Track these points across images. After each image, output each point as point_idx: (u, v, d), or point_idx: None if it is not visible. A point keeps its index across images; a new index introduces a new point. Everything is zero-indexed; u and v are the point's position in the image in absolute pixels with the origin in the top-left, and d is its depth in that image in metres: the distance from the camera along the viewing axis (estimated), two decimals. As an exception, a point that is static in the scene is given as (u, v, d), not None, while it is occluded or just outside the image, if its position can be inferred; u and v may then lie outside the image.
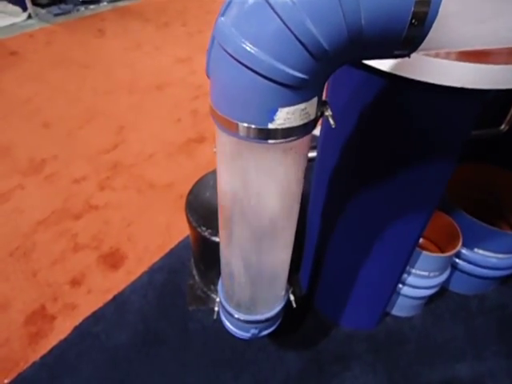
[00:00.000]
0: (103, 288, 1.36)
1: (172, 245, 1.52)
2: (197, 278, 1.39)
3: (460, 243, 1.12)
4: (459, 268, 1.29)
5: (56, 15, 3.51)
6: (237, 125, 0.47)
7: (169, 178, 1.83)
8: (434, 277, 1.16)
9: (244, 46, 0.41)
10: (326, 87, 0.54)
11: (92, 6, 3.73)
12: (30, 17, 3.40)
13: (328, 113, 0.51)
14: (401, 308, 1.28)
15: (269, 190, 0.54)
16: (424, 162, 0.80)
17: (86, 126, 2.16)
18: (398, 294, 1.22)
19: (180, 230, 1.58)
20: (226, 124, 0.48)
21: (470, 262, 1.26)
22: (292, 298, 0.85)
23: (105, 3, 3.83)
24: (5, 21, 3.30)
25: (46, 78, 2.57)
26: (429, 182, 0.84)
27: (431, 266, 1.12)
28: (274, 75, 0.42)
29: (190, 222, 1.18)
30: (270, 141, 0.48)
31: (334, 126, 0.51)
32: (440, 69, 0.63)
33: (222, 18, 0.44)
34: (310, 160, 1.52)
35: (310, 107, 0.47)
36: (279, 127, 0.46)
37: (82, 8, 3.69)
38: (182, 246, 1.52)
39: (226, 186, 0.58)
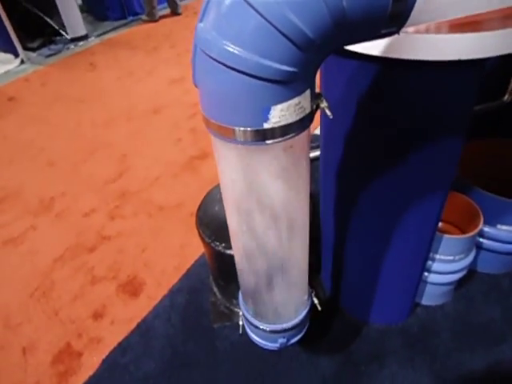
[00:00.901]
0: (126, 317, 1.34)
1: (188, 264, 1.51)
2: (218, 294, 1.37)
3: (481, 221, 1.08)
4: (484, 247, 1.25)
5: (47, 56, 3.58)
6: (232, 130, 0.46)
7: (177, 198, 1.83)
8: (460, 260, 1.12)
9: (227, 47, 0.40)
10: (318, 82, 0.53)
11: (81, 43, 3.80)
12: (22, 62, 3.47)
13: (324, 104, 0.49)
14: (430, 297, 1.24)
15: (275, 191, 0.52)
16: (432, 141, 0.77)
17: (90, 158, 2.17)
18: (426, 282, 1.18)
19: (194, 248, 1.56)
20: (221, 131, 0.47)
21: (494, 240, 1.22)
22: (316, 301, 0.83)
23: (93, 38, 3.90)
24: (-1, 69, 3.38)
25: (45, 118, 2.61)
26: (440, 161, 0.81)
27: (455, 249, 1.08)
28: (262, 72, 0.40)
29: (202, 239, 1.17)
30: (267, 141, 0.46)
31: (331, 117, 0.49)
32: (433, 44, 0.61)
33: (201, 24, 0.42)
34: (314, 159, 1.51)
35: (303, 101, 0.45)
36: (275, 126, 0.45)
37: (72, 46, 3.76)
38: (199, 264, 1.50)
39: (232, 194, 0.56)
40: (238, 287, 1.28)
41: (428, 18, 0.45)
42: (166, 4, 4.26)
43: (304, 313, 0.79)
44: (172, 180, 1.95)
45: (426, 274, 1.15)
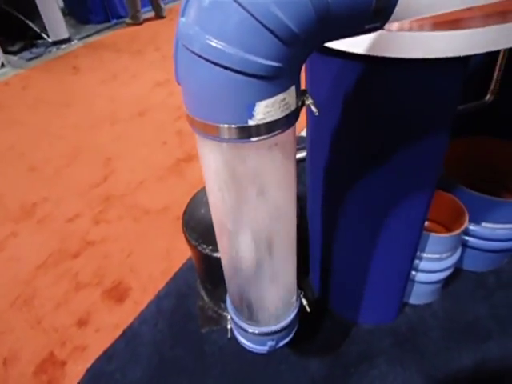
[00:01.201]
0: (111, 324, 1.31)
1: (175, 269, 1.48)
2: (205, 298, 1.35)
3: (467, 219, 1.09)
4: (470, 245, 1.26)
5: (29, 60, 3.51)
6: (216, 127, 0.45)
7: (162, 201, 1.80)
8: (447, 258, 1.13)
9: (210, 42, 0.39)
10: (303, 81, 0.52)
11: (63, 46, 3.74)
12: (2, 65, 3.40)
13: (309, 101, 0.48)
14: (418, 295, 1.24)
15: (261, 190, 0.51)
16: (418, 139, 0.77)
17: (73, 163, 2.13)
18: (413, 281, 1.18)
19: (181, 252, 1.54)
20: (205, 129, 0.46)
21: (479, 238, 1.23)
22: (305, 302, 0.82)
23: (76, 41, 3.84)
24: (-22, 73, 3.30)
25: (26, 122, 2.56)
26: (426, 158, 0.81)
27: (442, 247, 1.09)
28: (246, 68, 0.39)
29: (189, 242, 1.15)
30: (253, 139, 0.45)
31: (317, 114, 0.48)
32: (417, 42, 0.61)
33: (183, 19, 0.41)
34: (301, 161, 1.50)
35: (289, 97, 0.45)
36: (260, 122, 0.44)
37: (54, 49, 3.70)
38: (186, 268, 1.48)
39: (217, 195, 0.55)
40: (225, 290, 1.26)
41: (411, 14, 0.45)
42: (150, 7, 4.23)
43: (293, 314, 0.78)
44: (158, 183, 1.92)
45: (413, 272, 1.16)
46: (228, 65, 0.39)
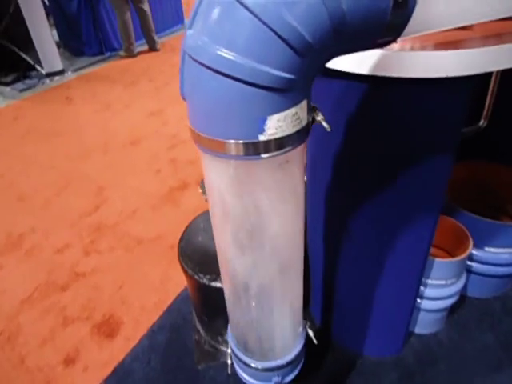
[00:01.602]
0: (101, 361, 1.23)
1: (170, 300, 1.42)
2: (202, 331, 1.28)
3: (471, 244, 1.06)
4: (473, 270, 1.23)
5: (21, 91, 3.52)
6: (224, 144, 0.42)
7: (156, 230, 1.75)
8: (452, 284, 1.09)
9: (220, 53, 0.37)
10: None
11: (57, 78, 3.77)
12: (-5, 96, 3.39)
13: (320, 117, 0.47)
14: (424, 324, 1.19)
15: (269, 210, 0.48)
16: (422, 161, 0.76)
17: (63, 192, 2.08)
18: (419, 309, 1.14)
19: (176, 282, 1.48)
20: (212, 145, 0.43)
21: (483, 263, 1.20)
22: (311, 333, 0.77)
23: (69, 73, 3.88)
24: (-30, 104, 3.28)
25: (17, 152, 2.52)
26: (430, 181, 0.79)
27: (447, 272, 1.06)
28: (258, 79, 0.37)
29: (185, 271, 1.10)
30: (263, 155, 0.43)
31: (329, 130, 0.46)
32: (418, 62, 0.61)
33: (190, 31, 0.40)
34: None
35: (300, 111, 0.43)
36: (271, 138, 0.42)
37: (47, 80, 3.72)
38: (181, 299, 1.42)
39: (221, 216, 0.52)
40: (223, 323, 1.20)
41: (424, 28, 0.44)
42: (143, 40, 4.32)
43: (299, 347, 0.73)
44: (151, 212, 1.87)
45: (418, 300, 1.12)
46: (239, 76, 0.37)
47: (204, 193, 1.17)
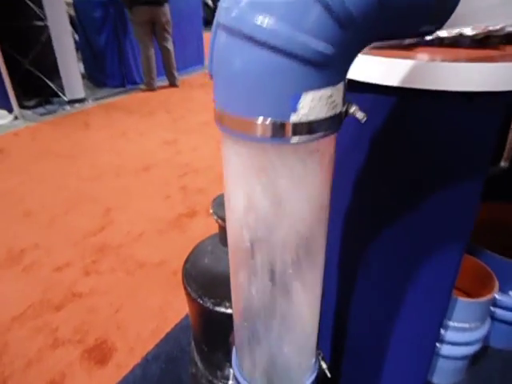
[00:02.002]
0: (88, 389, 1.13)
1: (168, 329, 1.33)
2: (199, 364, 1.18)
3: (496, 284, 0.99)
4: (497, 317, 1.14)
5: (42, 115, 3.61)
6: (252, 122, 0.39)
7: (160, 255, 1.69)
8: (476, 329, 1.00)
9: (257, 20, 0.35)
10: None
11: (77, 105, 3.88)
12: (16, 118, 3.48)
13: (353, 108, 0.43)
14: (443, 373, 1.09)
15: (293, 205, 0.44)
16: (450, 185, 0.72)
17: (70, 211, 2.05)
18: (438, 355, 1.04)
19: (176, 310, 1.40)
20: (239, 125, 0.40)
21: (508, 309, 1.11)
22: (324, 365, 0.69)
23: (90, 101, 4.00)
24: (-10, 123, 3.37)
25: (30, 170, 2.53)
26: (458, 209, 0.74)
27: (471, 315, 0.98)
28: (296, 49, 0.35)
29: (188, 294, 1.03)
30: (293, 138, 0.39)
31: (363, 120, 0.43)
32: (455, 73, 0.58)
33: (224, 4, 0.38)
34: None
35: (336, 95, 0.39)
36: (303, 119, 0.38)
37: (68, 107, 3.83)
38: (180, 328, 1.33)
39: (239, 214, 0.47)
40: (224, 355, 1.11)
41: (463, 22, 0.42)
42: (164, 77, 4.48)
43: (311, 379, 0.65)
44: (157, 236, 1.82)
45: (438, 345, 1.03)
46: (277, 44, 0.35)
47: (215, 213, 1.12)
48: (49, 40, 3.67)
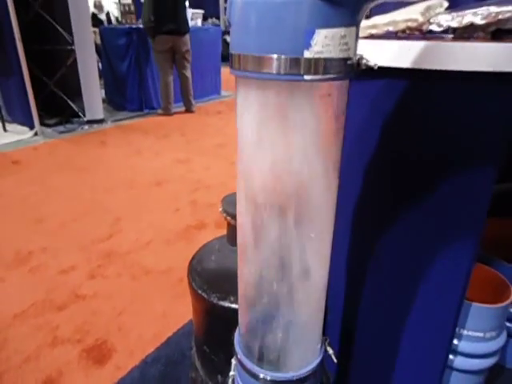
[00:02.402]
0: (84, 388, 1.09)
1: (169, 333, 1.30)
2: (200, 368, 1.14)
3: (512, 292, 0.95)
4: (514, 334, 1.08)
5: (61, 132, 3.73)
6: (269, 59, 0.40)
7: (166, 263, 1.68)
8: (491, 339, 0.95)
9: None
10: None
11: (96, 125, 4.01)
12: (36, 134, 3.60)
13: (365, 60, 0.44)
14: (456, 390, 1.02)
15: (303, 153, 0.44)
16: (464, 170, 0.71)
17: (81, 218, 2.07)
18: (451, 368, 0.99)
19: (179, 316, 1.36)
20: (255, 64, 0.41)
21: (526, 325, 1.06)
22: (331, 351, 0.66)
23: (108, 123, 4.13)
24: (11, 138, 3.48)
25: (45, 181, 2.58)
26: (471, 198, 0.73)
27: (486, 322, 0.93)
28: (311, -19, 0.36)
29: (192, 289, 1.01)
30: (306, 76, 0.40)
31: (376, 67, 0.44)
32: (470, 53, 0.59)
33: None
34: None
35: (349, 37, 0.41)
36: (316, 56, 0.39)
37: (86, 127, 3.95)
38: (181, 333, 1.29)
39: (251, 158, 0.47)
40: (225, 358, 1.07)
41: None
42: (181, 103, 4.62)
43: (316, 362, 0.62)
44: (164, 246, 1.82)
45: (451, 357, 0.97)
46: (292, -23, 0.36)
47: (224, 210, 1.12)
48: (74, 63, 3.86)
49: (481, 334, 0.94)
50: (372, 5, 0.43)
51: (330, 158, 0.47)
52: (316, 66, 0.40)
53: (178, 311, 1.38)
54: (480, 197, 0.74)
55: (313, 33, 0.38)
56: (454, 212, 0.75)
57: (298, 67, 0.40)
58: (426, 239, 0.79)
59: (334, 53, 0.40)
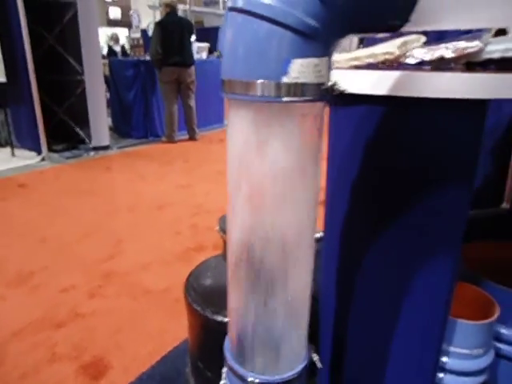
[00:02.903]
0: (79, 403, 1.11)
1: (165, 351, 1.32)
2: (194, 386, 1.16)
3: (497, 309, 0.98)
4: (503, 354, 1.10)
5: (67, 158, 3.84)
6: (254, 84, 0.47)
7: (165, 283, 1.71)
8: (478, 357, 0.97)
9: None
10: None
11: (102, 152, 4.12)
12: (43, 159, 3.70)
13: (337, 86, 0.51)
14: (447, 410, 1.03)
15: (280, 165, 0.50)
16: (439, 190, 0.77)
17: (83, 240, 2.12)
18: (439, 386, 1.00)
19: (175, 335, 1.39)
20: (241, 87, 0.48)
21: (513, 344, 1.08)
22: (316, 357, 0.69)
23: (114, 149, 4.24)
24: (19, 162, 3.59)
25: (50, 204, 2.65)
26: (450, 213, 0.78)
27: (472, 339, 0.96)
28: (288, 20, 0.44)
29: (188, 303, 1.05)
30: (284, 98, 0.47)
31: (346, 91, 0.50)
32: (434, 82, 0.67)
33: (235, -7, 0.48)
34: (318, 240, 1.46)
35: (322, 66, 0.48)
36: (294, 81, 0.46)
37: (92, 153, 4.06)
38: (177, 351, 1.31)
39: (240, 176, 0.54)
40: (219, 374, 1.10)
41: (431, 21, 0.51)
42: (185, 131, 4.76)
43: (300, 367, 0.65)
44: (164, 267, 1.85)
45: (440, 375, 0.99)
46: (273, 17, 0.44)
47: (221, 229, 1.18)
48: (83, 93, 4.02)
49: (467, 351, 0.96)
50: (343, 39, 0.50)
51: (310, 158, 0.53)
52: (293, 89, 0.47)
53: (174, 330, 1.41)
54: (456, 215, 0.79)
55: (290, 62, 0.45)
56: (433, 229, 0.80)
57: (278, 90, 0.46)
58: (408, 255, 0.83)
59: (309, 78, 0.47)
